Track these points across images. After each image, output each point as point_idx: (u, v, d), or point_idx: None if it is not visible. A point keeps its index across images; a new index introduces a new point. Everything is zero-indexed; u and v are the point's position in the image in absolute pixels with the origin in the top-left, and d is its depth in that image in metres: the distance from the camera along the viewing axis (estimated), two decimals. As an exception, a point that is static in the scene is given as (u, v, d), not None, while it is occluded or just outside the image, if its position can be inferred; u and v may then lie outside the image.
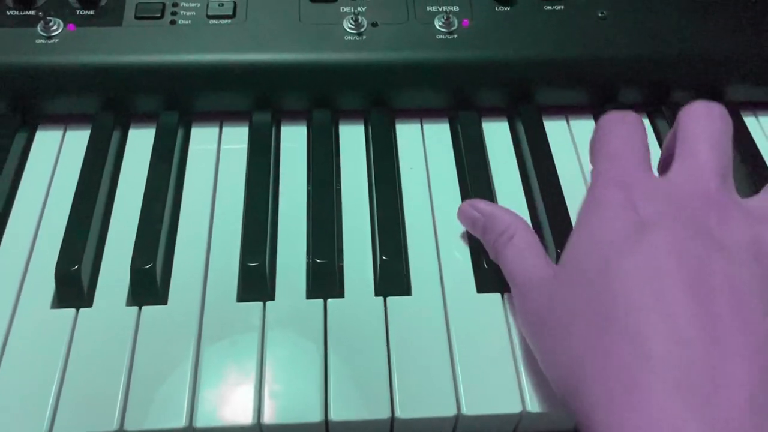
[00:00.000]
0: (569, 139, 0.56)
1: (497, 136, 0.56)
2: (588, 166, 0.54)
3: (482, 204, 0.47)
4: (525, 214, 0.51)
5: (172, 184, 0.51)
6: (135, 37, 0.54)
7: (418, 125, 0.56)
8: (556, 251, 0.47)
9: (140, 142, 0.54)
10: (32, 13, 0.55)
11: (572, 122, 0.57)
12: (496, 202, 0.50)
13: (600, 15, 0.57)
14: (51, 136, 0.55)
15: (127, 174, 0.53)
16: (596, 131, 0.44)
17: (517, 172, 0.54)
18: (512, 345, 0.44)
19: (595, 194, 0.39)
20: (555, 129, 0.56)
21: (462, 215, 0.48)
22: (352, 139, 0.56)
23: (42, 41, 0.53)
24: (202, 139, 0.55)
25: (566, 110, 0.58)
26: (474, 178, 0.51)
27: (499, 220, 0.44)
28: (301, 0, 0.56)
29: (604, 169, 0.40)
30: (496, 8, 0.57)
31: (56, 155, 0.54)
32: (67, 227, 0.48)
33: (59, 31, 0.54)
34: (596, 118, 0.57)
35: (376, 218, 0.49)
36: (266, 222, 0.48)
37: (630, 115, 0.43)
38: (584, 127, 0.57)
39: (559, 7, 0.57)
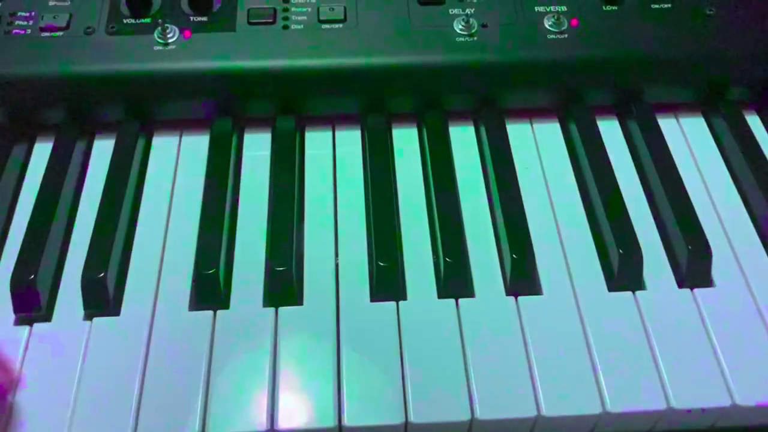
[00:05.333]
0: (681, 137, 0.56)
1: (607, 133, 0.56)
2: (702, 165, 0.54)
3: None
4: (645, 208, 0.51)
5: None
6: (250, 41, 0.55)
7: (529, 124, 0.57)
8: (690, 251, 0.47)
9: (257, 144, 0.55)
10: (148, 21, 0.56)
11: (681, 120, 0.57)
12: (620, 197, 0.50)
13: (708, 12, 0.57)
14: (168, 142, 0.56)
15: (247, 175, 0.54)
16: None
17: (633, 168, 0.54)
18: (652, 343, 0.44)
19: None
20: (665, 127, 0.56)
21: None
22: (463, 140, 0.56)
23: (160, 48, 0.54)
24: (315, 144, 0.56)
25: (675, 108, 0.58)
26: (598, 174, 0.51)
27: None
28: (410, 2, 0.57)
29: None
30: (604, 7, 0.57)
31: (176, 159, 0.54)
32: (200, 232, 0.49)
33: (175, 38, 0.55)
34: (706, 117, 0.57)
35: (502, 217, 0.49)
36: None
37: None
38: (694, 124, 0.57)
39: (666, 6, 0.57)
